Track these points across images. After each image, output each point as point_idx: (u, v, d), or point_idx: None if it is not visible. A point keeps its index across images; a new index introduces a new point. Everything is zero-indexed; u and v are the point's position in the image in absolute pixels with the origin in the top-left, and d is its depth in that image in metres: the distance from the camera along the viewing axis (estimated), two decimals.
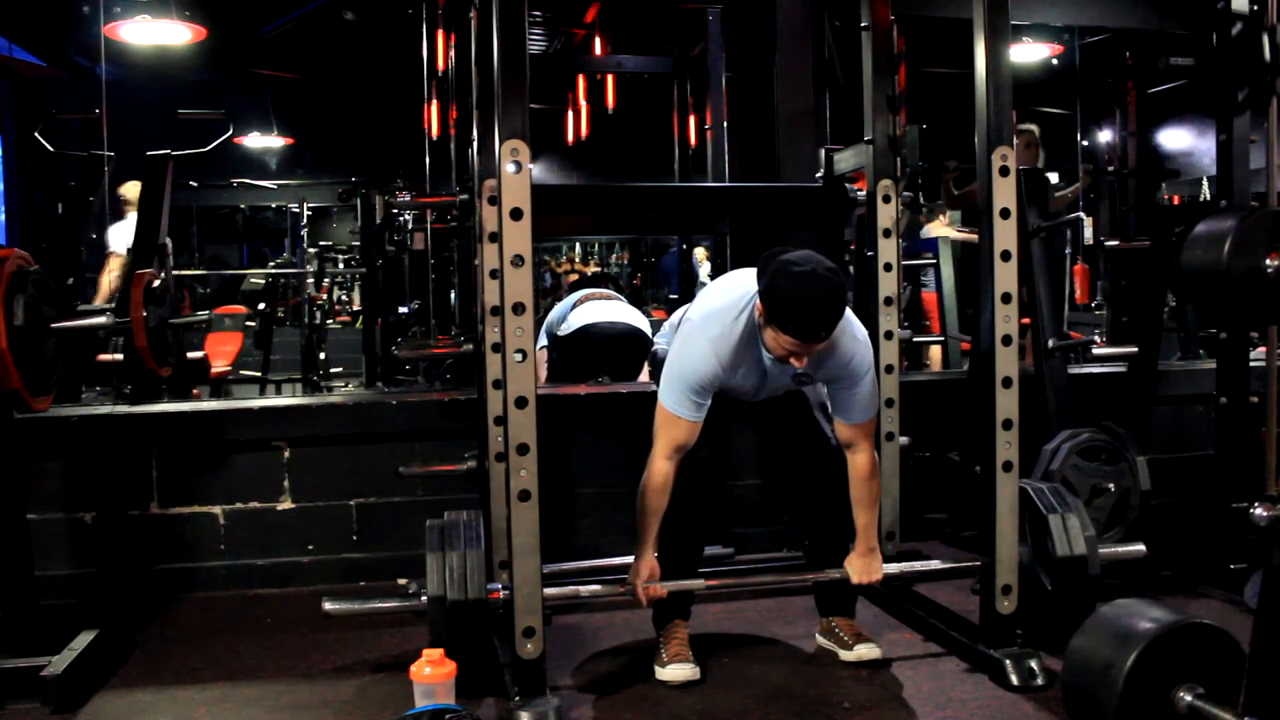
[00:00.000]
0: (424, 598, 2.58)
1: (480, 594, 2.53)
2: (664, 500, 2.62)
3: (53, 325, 2.70)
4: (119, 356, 3.89)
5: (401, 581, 3.56)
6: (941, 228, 7.03)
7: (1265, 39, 3.16)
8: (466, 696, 2.45)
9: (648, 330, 4.44)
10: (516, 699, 2.41)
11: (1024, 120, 5.48)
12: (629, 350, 4.36)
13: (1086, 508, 3.28)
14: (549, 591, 2.51)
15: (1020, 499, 2.71)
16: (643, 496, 2.62)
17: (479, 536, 2.60)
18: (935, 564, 2.99)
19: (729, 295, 2.64)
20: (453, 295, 6.25)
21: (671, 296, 9.56)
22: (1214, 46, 3.31)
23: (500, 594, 2.53)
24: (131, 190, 5.75)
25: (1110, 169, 8.12)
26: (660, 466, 2.61)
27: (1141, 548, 2.92)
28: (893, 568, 2.85)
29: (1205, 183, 9.72)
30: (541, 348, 4.50)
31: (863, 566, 2.75)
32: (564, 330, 4.46)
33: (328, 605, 2.71)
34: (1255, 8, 3.20)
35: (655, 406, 2.63)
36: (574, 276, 11.78)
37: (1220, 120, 3.35)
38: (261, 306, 8.47)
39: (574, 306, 4.54)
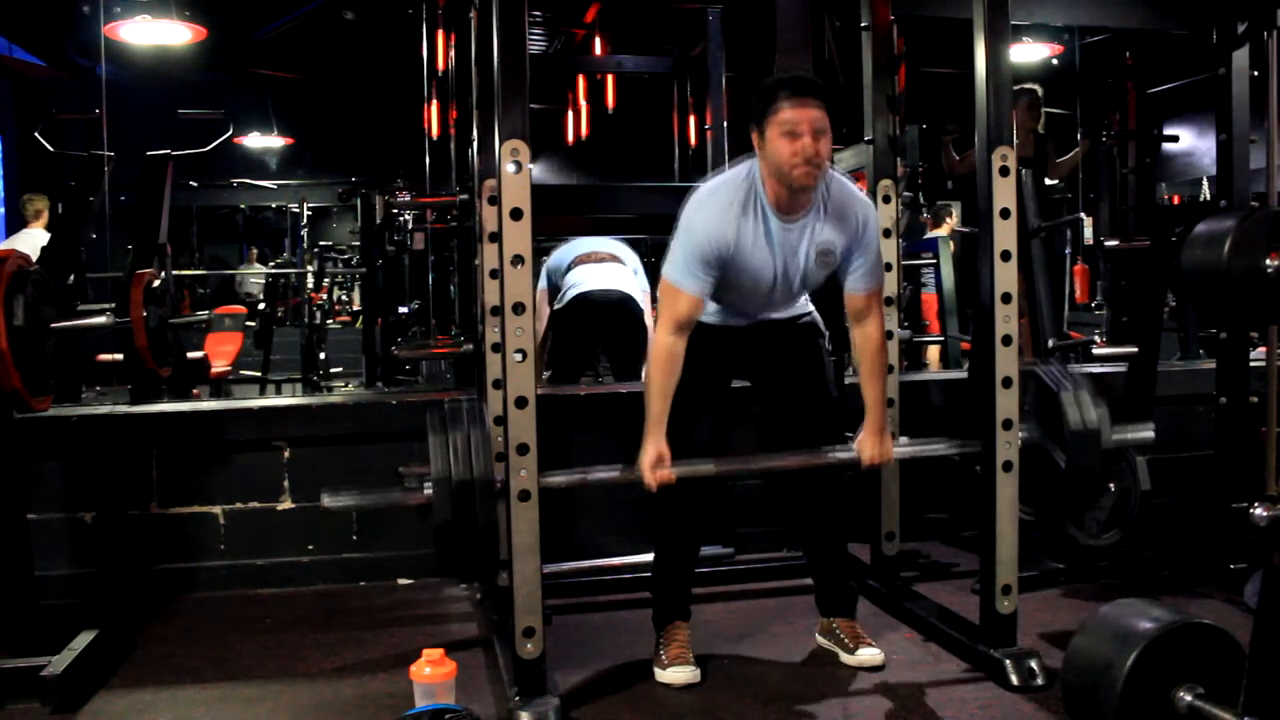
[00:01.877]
0: (428, 488, 2.45)
1: (487, 473, 2.40)
2: (671, 378, 2.56)
3: (52, 325, 2.70)
4: (119, 356, 3.89)
5: (402, 581, 3.57)
6: (944, 232, 7.04)
7: None
8: (462, 577, 2.44)
9: (639, 296, 4.40)
10: (516, 699, 2.41)
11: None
12: (622, 320, 4.35)
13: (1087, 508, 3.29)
14: (548, 480, 2.44)
15: (1027, 379, 2.67)
16: (649, 376, 2.59)
17: (482, 418, 2.50)
18: (942, 446, 2.88)
19: (725, 175, 2.65)
20: (453, 295, 6.25)
21: None
22: None
23: (500, 480, 2.43)
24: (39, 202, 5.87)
25: (1106, 137, 8.11)
26: (664, 341, 2.56)
27: (1150, 433, 2.84)
28: (901, 450, 2.79)
29: (1205, 183, 9.72)
30: (541, 289, 4.49)
31: (873, 446, 2.68)
32: (559, 302, 4.45)
33: (326, 500, 2.62)
34: None
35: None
36: None
37: (1219, 57, 3.29)
38: (261, 306, 8.47)
39: (571, 268, 4.49)
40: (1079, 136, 6.73)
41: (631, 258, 4.54)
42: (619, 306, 4.33)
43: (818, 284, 2.74)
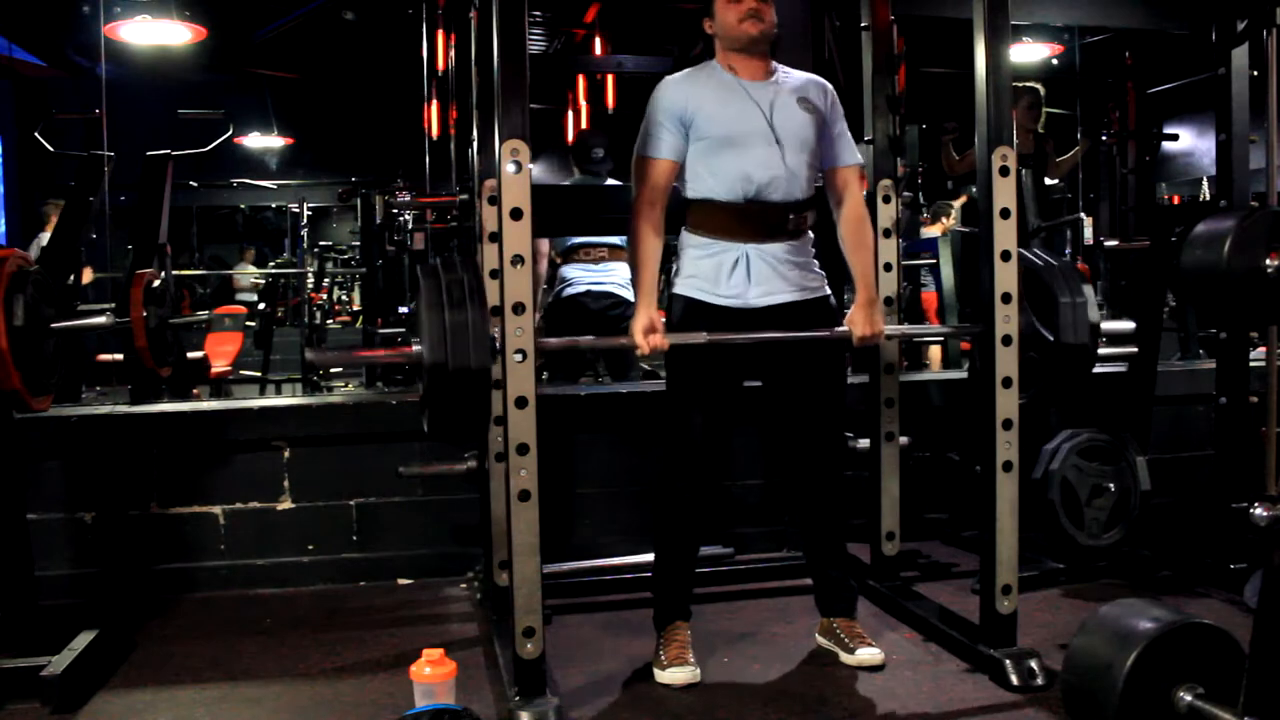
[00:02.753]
0: (415, 343, 2.32)
1: (483, 325, 2.29)
2: (653, 246, 2.61)
3: (53, 325, 2.70)
4: (119, 356, 3.89)
5: (403, 581, 3.57)
6: (938, 231, 7.04)
7: None
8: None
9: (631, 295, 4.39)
10: (516, 699, 2.41)
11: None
12: (617, 319, 4.36)
13: (1086, 508, 3.30)
14: (547, 342, 2.42)
15: (1021, 271, 2.68)
16: (633, 247, 2.65)
17: (477, 272, 2.39)
18: (935, 327, 2.91)
19: None
20: None
21: None
22: None
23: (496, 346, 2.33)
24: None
25: (1106, 136, 8.11)
26: (641, 212, 2.62)
27: (1130, 324, 2.97)
28: (894, 327, 2.82)
29: (1205, 182, 9.72)
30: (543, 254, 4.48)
31: (865, 319, 2.65)
32: (553, 297, 4.45)
33: (309, 354, 2.52)
34: None
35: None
36: None
37: (1218, 56, 3.31)
38: (262, 306, 8.47)
39: (568, 256, 4.48)
40: (1078, 135, 6.73)
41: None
42: (615, 309, 4.34)
43: (810, 147, 2.67)
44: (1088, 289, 2.78)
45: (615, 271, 4.45)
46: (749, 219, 2.63)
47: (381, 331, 6.37)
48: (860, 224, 2.74)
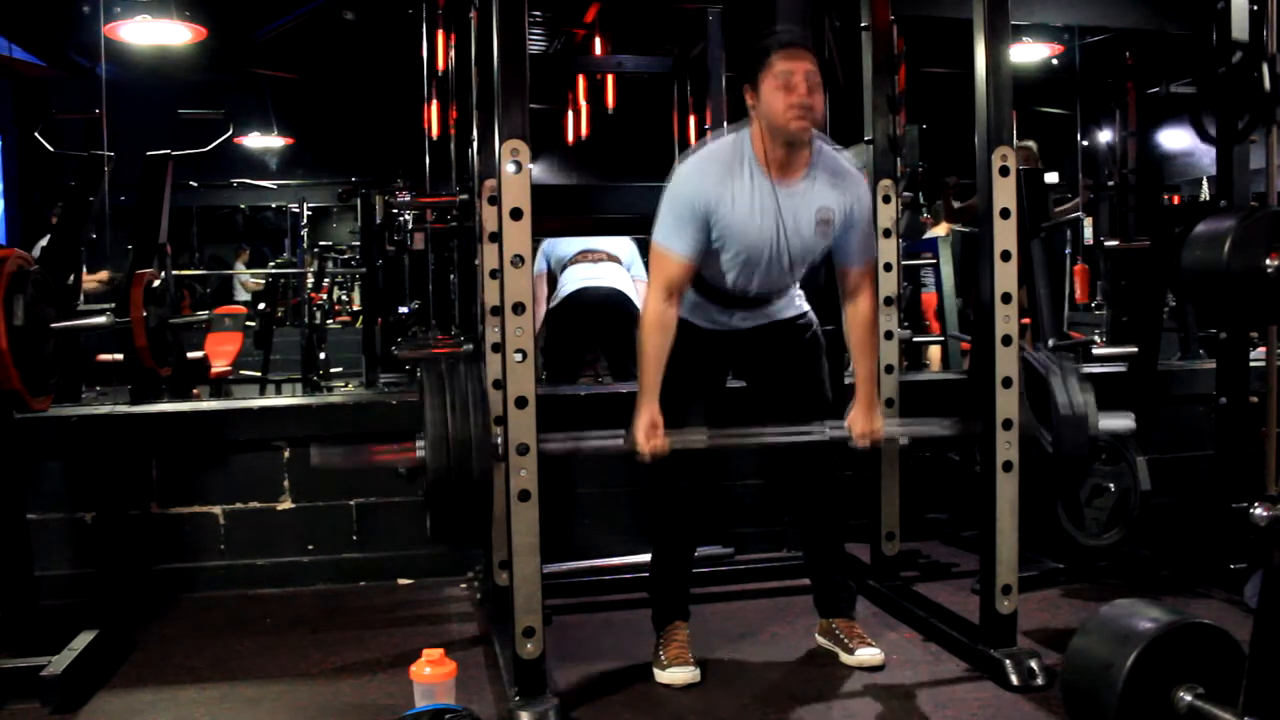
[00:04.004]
0: (419, 448, 2.38)
1: (486, 434, 2.34)
2: (663, 343, 2.54)
3: (53, 325, 2.70)
4: (119, 356, 3.89)
5: (403, 582, 3.57)
6: (943, 231, 7.03)
7: (1265, 68, 3.17)
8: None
9: (634, 295, 4.40)
10: (516, 699, 2.41)
11: (1023, 130, 5.47)
12: (617, 319, 4.35)
13: (1086, 508, 3.29)
14: (548, 446, 2.41)
15: (1021, 367, 2.68)
16: (641, 341, 2.56)
17: (479, 376, 2.44)
18: (935, 427, 2.86)
19: (711, 141, 2.68)
20: (453, 295, 6.24)
21: None
22: (1216, 77, 3.31)
23: (498, 444, 2.38)
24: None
25: (1110, 184, 8.12)
26: (655, 307, 2.54)
27: (1130, 421, 2.85)
28: (894, 427, 2.79)
29: (1205, 182, 9.71)
30: (539, 272, 4.49)
31: (864, 420, 2.67)
32: (554, 299, 4.46)
33: (315, 457, 2.56)
34: (1255, 36, 3.21)
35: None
36: None
37: (1220, 151, 3.36)
38: (262, 306, 8.47)
39: (568, 265, 4.49)
40: (1080, 187, 6.76)
41: (629, 253, 4.54)
42: (612, 304, 4.34)
43: (814, 258, 2.69)
44: (1089, 398, 2.73)
45: (615, 270, 4.45)
46: (743, 301, 2.71)
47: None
48: (869, 329, 2.71)
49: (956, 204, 5.84)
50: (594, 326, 4.42)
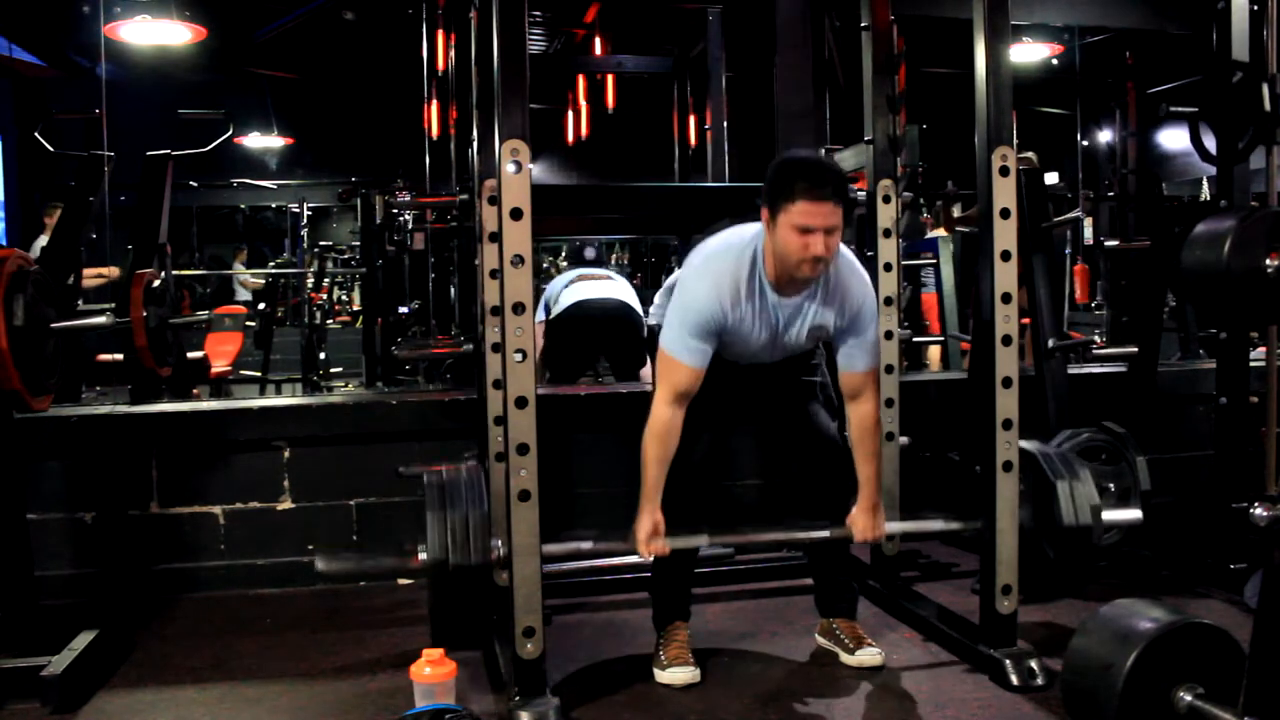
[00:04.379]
0: (422, 554, 2.48)
1: (483, 558, 2.43)
2: (668, 448, 2.55)
3: (53, 325, 2.70)
4: (119, 356, 3.89)
5: (404, 582, 3.56)
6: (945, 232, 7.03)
7: (1265, 89, 3.17)
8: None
9: (639, 309, 4.42)
10: (516, 699, 2.41)
11: (1023, 130, 5.46)
12: (621, 328, 4.36)
13: None
14: (548, 548, 2.43)
15: (1027, 463, 2.69)
16: (646, 445, 2.56)
17: (481, 495, 2.51)
18: (938, 524, 2.90)
19: (730, 238, 2.62)
20: (452, 295, 6.24)
21: None
22: (1215, 95, 3.33)
23: (500, 552, 2.45)
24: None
25: (1111, 194, 8.13)
26: (662, 414, 2.54)
27: (1138, 514, 2.88)
28: (895, 527, 2.81)
29: (1205, 182, 9.72)
30: (539, 321, 4.51)
31: (865, 523, 2.69)
32: (557, 309, 4.46)
33: (320, 564, 2.62)
34: (1255, 57, 3.23)
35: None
36: None
37: (1221, 171, 3.36)
38: (262, 306, 8.47)
39: (568, 285, 4.52)
40: (1080, 200, 6.75)
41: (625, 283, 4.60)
42: (618, 317, 4.35)
43: (808, 350, 2.78)
44: (1095, 504, 2.72)
45: (617, 286, 4.48)
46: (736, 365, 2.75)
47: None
48: (870, 434, 2.70)
49: (956, 213, 5.82)
50: (600, 337, 4.42)
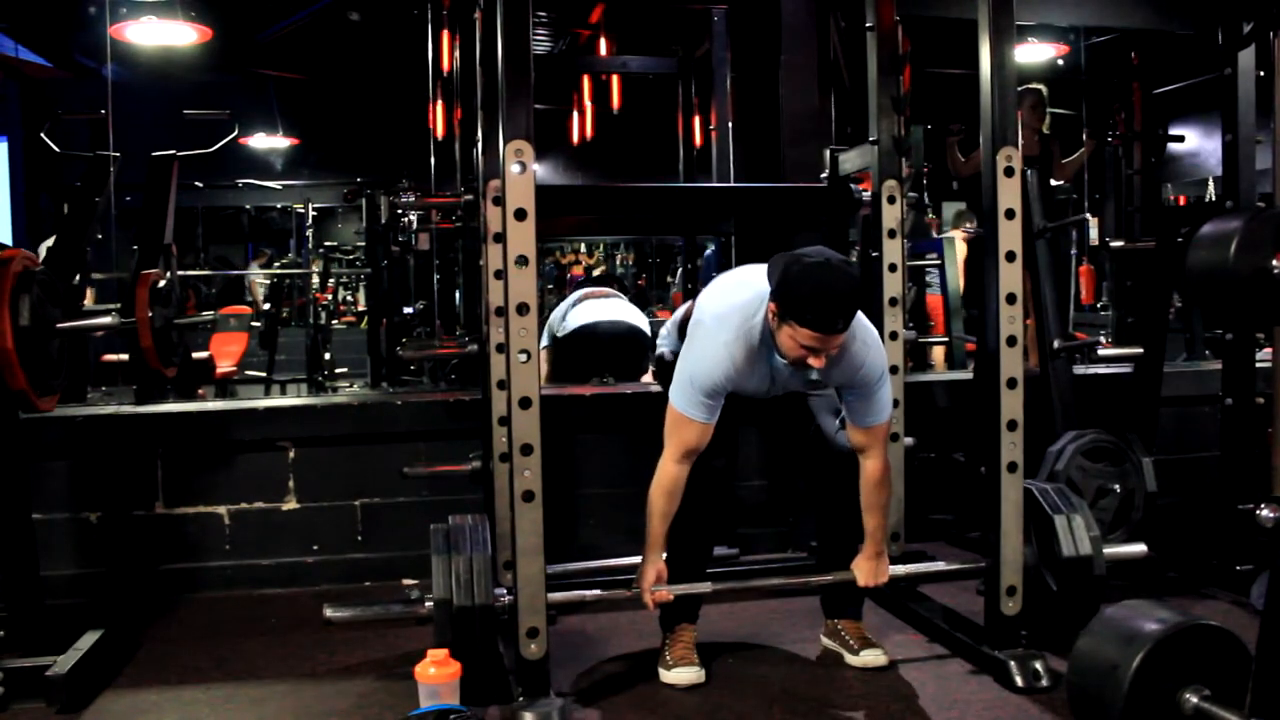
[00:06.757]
0: (429, 603, 2.54)
1: (487, 599, 2.48)
2: (674, 504, 2.58)
3: (58, 325, 2.71)
4: (124, 356, 3.89)
5: (407, 582, 3.56)
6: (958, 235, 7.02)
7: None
8: (471, 701, 2.44)
9: (647, 329, 4.43)
10: (520, 699, 2.41)
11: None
12: (628, 349, 4.36)
13: (1091, 509, 3.28)
14: (554, 597, 2.50)
15: (1025, 500, 2.70)
16: (652, 500, 2.58)
17: (485, 540, 2.57)
18: (940, 565, 2.99)
19: (740, 295, 2.60)
20: (457, 296, 6.25)
21: None
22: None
23: (505, 600, 2.50)
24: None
25: (1111, 137, 8.10)
26: (670, 470, 2.57)
27: (1142, 547, 2.89)
28: (899, 569, 2.84)
29: (1211, 183, 9.69)
30: (544, 347, 4.51)
31: (870, 569, 2.73)
32: (563, 330, 4.47)
33: (328, 612, 2.66)
34: None
35: (665, 408, 2.60)
36: (578, 269, 11.79)
37: (1225, 57, 3.30)
38: (267, 307, 8.48)
39: (574, 305, 4.54)
40: (1084, 136, 6.74)
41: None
42: (627, 338, 4.36)
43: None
44: (1094, 535, 2.74)
45: (624, 306, 4.48)
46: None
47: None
48: (878, 488, 2.69)
49: (962, 157, 5.73)
50: (608, 357, 4.42)
